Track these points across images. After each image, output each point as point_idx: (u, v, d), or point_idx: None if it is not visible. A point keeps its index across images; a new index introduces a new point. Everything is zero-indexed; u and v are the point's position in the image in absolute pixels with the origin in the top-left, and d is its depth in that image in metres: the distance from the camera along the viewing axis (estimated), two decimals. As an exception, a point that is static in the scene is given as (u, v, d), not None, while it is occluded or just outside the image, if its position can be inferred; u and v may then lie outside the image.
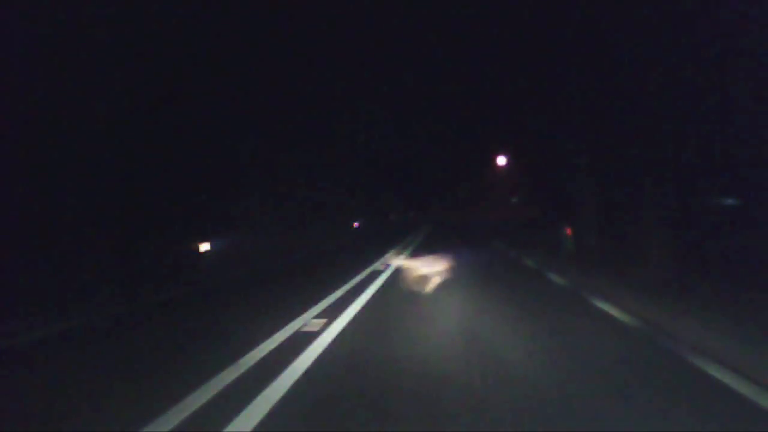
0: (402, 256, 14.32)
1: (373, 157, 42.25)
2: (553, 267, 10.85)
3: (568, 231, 13.97)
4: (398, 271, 10.97)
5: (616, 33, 10.99)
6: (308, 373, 4.38)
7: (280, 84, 22.04)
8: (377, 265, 12.25)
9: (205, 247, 14.10)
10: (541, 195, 25.06)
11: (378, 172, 47.21)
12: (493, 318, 6.44)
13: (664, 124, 10.09)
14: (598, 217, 14.15)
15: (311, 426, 3.41)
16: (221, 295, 9.35)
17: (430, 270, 8.58)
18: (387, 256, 14.67)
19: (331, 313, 6.75)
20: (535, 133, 20.82)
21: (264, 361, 4.76)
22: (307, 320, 6.39)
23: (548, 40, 15.26)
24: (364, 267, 11.94)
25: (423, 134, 45.88)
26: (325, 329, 5.88)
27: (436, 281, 8.54)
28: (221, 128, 18.55)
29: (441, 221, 47.64)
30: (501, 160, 32.44)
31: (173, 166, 15.58)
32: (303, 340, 5.44)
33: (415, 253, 15.19)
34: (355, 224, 32.89)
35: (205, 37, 15.72)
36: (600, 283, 8.54)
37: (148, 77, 13.44)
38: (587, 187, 15.10)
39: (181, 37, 14.44)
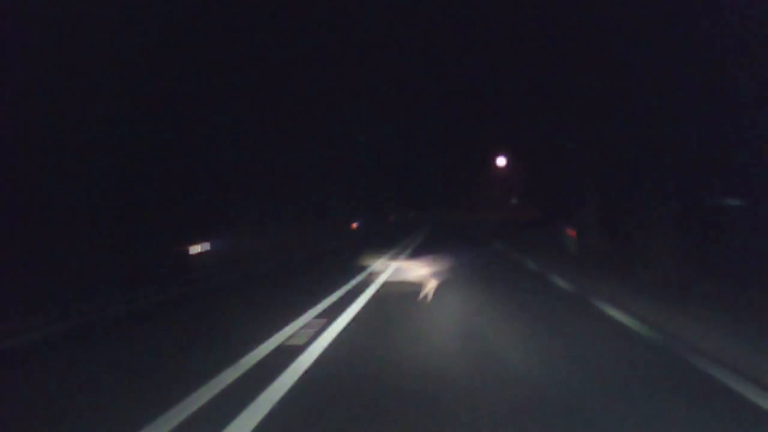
0: (402, 257, 14.33)
1: (373, 157, 42.21)
2: (555, 268, 10.84)
3: (571, 232, 13.96)
4: (398, 272, 10.98)
5: (617, 32, 10.98)
6: (308, 373, 4.38)
7: (280, 84, 22.04)
8: (377, 266, 12.24)
9: (197, 249, 14.07)
10: (541, 195, 25.08)
11: (378, 172, 47.16)
12: (493, 318, 6.44)
13: (666, 123, 10.08)
14: (599, 218, 14.14)
15: (311, 426, 3.41)
16: (221, 295, 9.35)
17: (430, 270, 8.59)
18: (387, 256, 14.66)
19: (331, 313, 6.74)
20: (536, 133, 20.83)
21: (264, 361, 4.76)
22: (308, 320, 6.39)
23: (549, 39, 15.26)
24: (364, 267, 11.93)
25: (423, 134, 45.86)
26: (325, 329, 5.88)
27: (436, 281, 8.54)
28: (221, 128, 18.56)
29: (441, 222, 47.62)
30: (501, 161, 32.47)
31: (173, 166, 15.58)
32: (303, 339, 5.44)
33: (416, 254, 15.20)
34: (355, 225, 32.82)
35: (204, 37, 15.72)
36: (601, 284, 8.53)
37: (149, 77, 13.44)
38: (587, 187, 15.10)
39: (180, 37, 14.44)
